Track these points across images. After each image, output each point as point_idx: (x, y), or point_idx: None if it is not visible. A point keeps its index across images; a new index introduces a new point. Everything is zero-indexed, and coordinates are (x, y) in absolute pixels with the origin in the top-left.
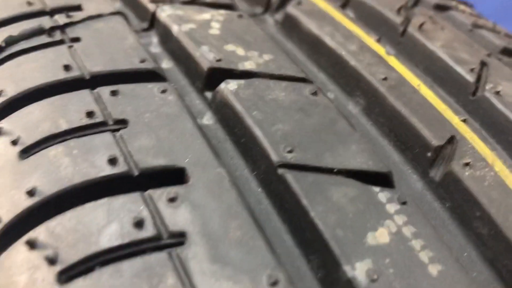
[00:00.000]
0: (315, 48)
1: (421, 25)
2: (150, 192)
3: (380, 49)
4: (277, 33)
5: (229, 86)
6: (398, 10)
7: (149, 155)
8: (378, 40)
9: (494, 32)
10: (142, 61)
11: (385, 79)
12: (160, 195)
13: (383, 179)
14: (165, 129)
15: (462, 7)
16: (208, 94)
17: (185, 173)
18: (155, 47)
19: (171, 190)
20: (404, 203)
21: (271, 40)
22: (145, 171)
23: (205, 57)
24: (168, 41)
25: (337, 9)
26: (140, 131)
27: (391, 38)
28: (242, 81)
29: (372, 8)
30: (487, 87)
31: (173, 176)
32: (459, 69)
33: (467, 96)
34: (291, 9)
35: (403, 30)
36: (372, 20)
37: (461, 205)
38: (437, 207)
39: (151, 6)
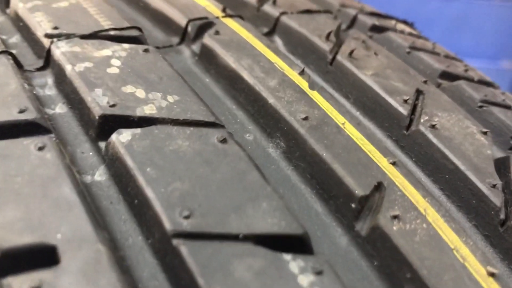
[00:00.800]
0: (233, 83)
1: (351, 52)
2: (9, 280)
3: (303, 83)
4: (194, 66)
5: (121, 137)
6: (327, 36)
7: (13, 232)
8: (302, 72)
9: (433, 54)
10: (22, 111)
11: (305, 118)
12: (21, 283)
13: (297, 243)
14: (37, 196)
15: (401, 26)
16: (102, 145)
17: (56, 252)
18: (50, 89)
19: (35, 277)
20: (320, 272)
21: (180, 77)
22: (7, 253)
23: (98, 102)
24: (63, 82)
25: (260, 38)
26: (6, 201)
27: (319, 67)
28: (138, 130)
29: (299, 34)
30: (422, 119)
31: (42, 256)
32: (391, 100)
33: (401, 131)
34: (207, 39)
35: (332, 58)
36: (299, 48)
37: (390, 264)
38: (364, 265)
39: (46, 41)
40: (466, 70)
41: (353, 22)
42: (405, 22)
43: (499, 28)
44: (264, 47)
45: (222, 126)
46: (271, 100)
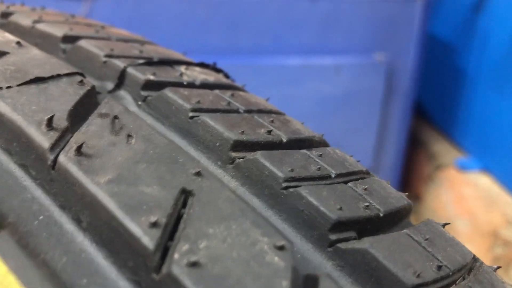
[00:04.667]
0: None
1: (79, 146)
2: None
3: None
4: None
5: None
6: (48, 122)
7: None
8: None
9: (227, 113)
10: None
11: None
12: None
13: None
14: None
15: (199, 74)
16: None
17: None
18: None
19: None
20: None
21: None
22: None
23: None
24: None
25: None
26: None
27: (41, 172)
28: None
29: (11, 123)
30: (179, 252)
31: None
32: (132, 226)
33: (149, 275)
34: None
35: (53, 159)
36: (15, 143)
37: None
38: None
39: None
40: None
41: (121, 79)
42: (206, 66)
43: (368, 24)
44: None
45: None
46: None
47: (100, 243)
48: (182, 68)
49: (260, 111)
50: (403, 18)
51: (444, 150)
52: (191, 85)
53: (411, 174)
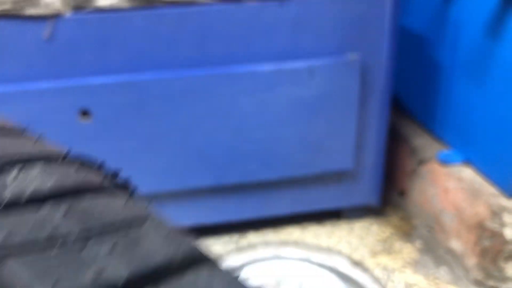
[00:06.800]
0: None
1: None
2: None
3: None
4: None
5: None
6: None
7: None
8: None
9: None
10: None
11: None
12: None
13: None
14: None
15: None
16: None
17: None
18: None
19: None
20: None
21: None
22: None
23: None
24: None
25: None
26: None
27: None
28: None
29: None
30: None
31: None
32: None
33: None
34: None
35: None
36: None
37: None
38: None
39: None
40: None
41: None
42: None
43: (339, 24)
44: None
45: None
46: None
47: None
48: (13, 174)
49: (103, 232)
50: (373, 15)
51: (426, 144)
52: (12, 205)
53: (394, 170)
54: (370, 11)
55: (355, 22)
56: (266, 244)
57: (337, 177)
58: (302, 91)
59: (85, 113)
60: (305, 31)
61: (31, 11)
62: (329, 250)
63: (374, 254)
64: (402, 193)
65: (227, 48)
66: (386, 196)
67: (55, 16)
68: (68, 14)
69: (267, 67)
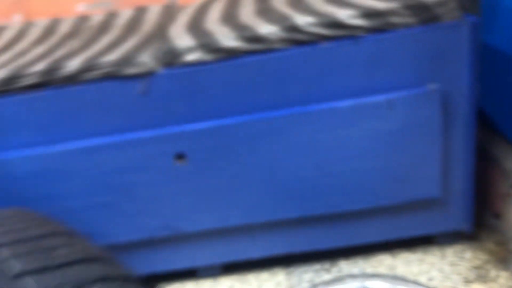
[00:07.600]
0: None
1: None
2: None
3: None
4: None
5: None
6: None
7: None
8: None
9: None
10: None
11: None
12: None
13: None
14: None
15: None
16: None
17: None
18: None
19: None
20: None
21: None
22: None
23: None
24: None
25: None
26: None
27: None
28: None
29: None
30: None
31: None
32: None
33: None
34: None
35: None
36: None
37: None
38: None
39: None
40: None
41: None
42: None
43: (415, 56)
44: None
45: None
46: None
47: None
48: None
49: None
50: (450, 44)
51: None
52: None
53: (488, 192)
54: (446, 40)
55: (432, 53)
56: (353, 277)
57: (425, 204)
58: (382, 124)
59: (180, 156)
60: (381, 66)
61: (130, 70)
62: (415, 283)
63: (467, 282)
64: (497, 216)
65: (304, 89)
66: (480, 220)
67: (149, 74)
68: (160, 70)
69: (345, 103)
